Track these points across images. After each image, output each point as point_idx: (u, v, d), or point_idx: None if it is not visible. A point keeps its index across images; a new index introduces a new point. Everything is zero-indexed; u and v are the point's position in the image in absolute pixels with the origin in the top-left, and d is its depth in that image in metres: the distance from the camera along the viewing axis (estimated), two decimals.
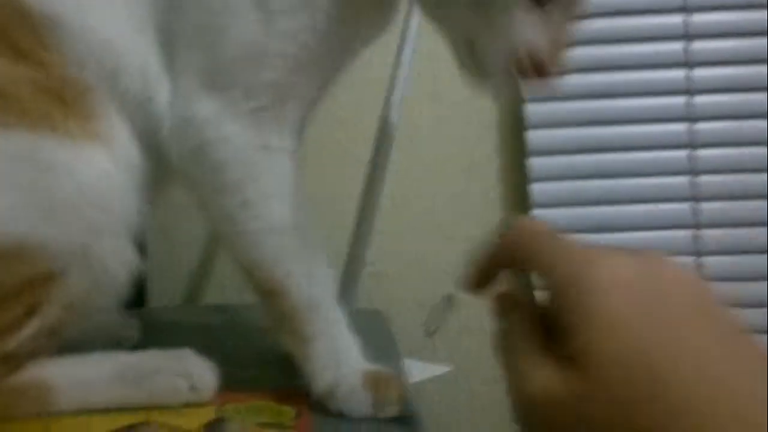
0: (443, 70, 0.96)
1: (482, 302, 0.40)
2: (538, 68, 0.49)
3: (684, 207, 1.01)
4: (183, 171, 0.53)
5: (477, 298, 0.40)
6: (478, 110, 1.02)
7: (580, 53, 0.93)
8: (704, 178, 1.00)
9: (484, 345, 0.95)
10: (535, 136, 0.99)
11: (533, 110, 0.99)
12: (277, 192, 0.53)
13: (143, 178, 0.53)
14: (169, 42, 0.53)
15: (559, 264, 0.36)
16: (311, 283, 0.53)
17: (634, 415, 0.30)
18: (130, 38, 0.52)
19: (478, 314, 0.98)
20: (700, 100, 1.00)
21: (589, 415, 0.31)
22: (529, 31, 0.48)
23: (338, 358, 0.52)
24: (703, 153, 1.01)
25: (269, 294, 0.53)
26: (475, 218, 1.01)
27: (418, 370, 0.72)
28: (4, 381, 0.48)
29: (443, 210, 1.02)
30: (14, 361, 0.49)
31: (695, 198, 1.00)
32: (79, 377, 0.50)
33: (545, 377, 0.33)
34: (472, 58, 0.51)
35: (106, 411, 0.50)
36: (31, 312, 0.48)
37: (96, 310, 0.52)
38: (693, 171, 1.00)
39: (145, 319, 0.69)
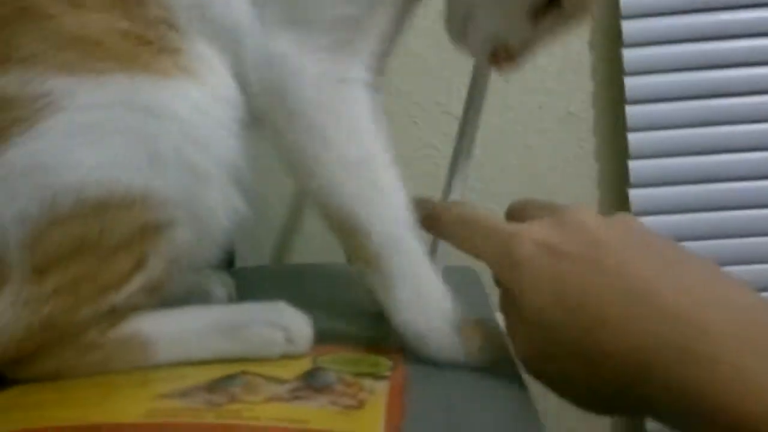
0: None
1: None
2: (506, 62, 0.56)
3: None
4: (264, 109, 0.51)
5: None
6: (572, 58, 0.98)
7: None
8: None
9: None
10: (633, 84, 0.95)
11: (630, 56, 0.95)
12: (356, 125, 0.51)
13: (242, 113, 0.51)
14: None
15: (482, 248, 0.47)
16: (394, 222, 0.51)
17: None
18: None
19: None
20: None
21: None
22: (517, 34, 0.54)
23: (427, 302, 0.51)
24: None
25: (353, 234, 0.51)
26: (569, 170, 0.98)
27: None
28: (105, 335, 0.48)
29: (537, 162, 0.99)
30: (118, 315, 0.49)
31: None
32: (176, 330, 0.50)
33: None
34: (463, 28, 0.56)
35: (202, 363, 0.50)
36: (138, 265, 0.48)
37: (199, 263, 0.52)
38: None
39: (235, 278, 0.69)
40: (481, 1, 0.54)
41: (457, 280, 0.76)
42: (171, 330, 0.50)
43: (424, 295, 0.51)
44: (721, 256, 0.93)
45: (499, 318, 0.66)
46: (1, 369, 0.47)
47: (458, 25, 0.56)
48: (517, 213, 0.51)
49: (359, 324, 0.63)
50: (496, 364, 0.50)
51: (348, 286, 0.68)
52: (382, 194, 0.51)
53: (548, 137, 1.00)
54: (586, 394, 0.44)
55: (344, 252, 0.56)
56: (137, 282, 0.48)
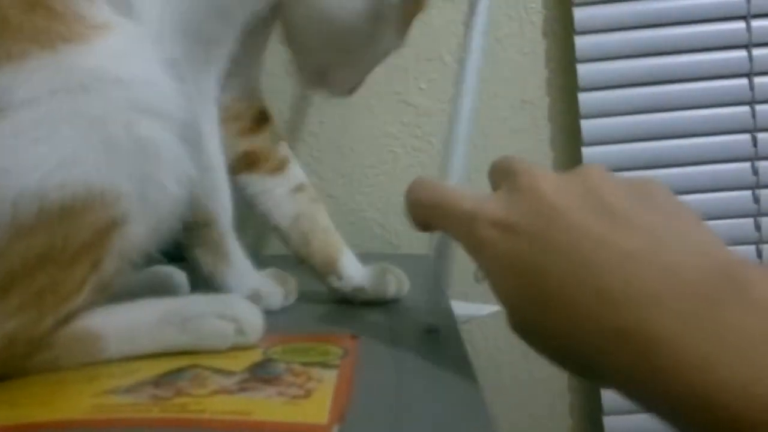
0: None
1: None
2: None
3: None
4: None
5: None
6: (526, 47, 0.99)
7: None
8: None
9: None
10: (585, 71, 0.96)
11: (582, 44, 0.96)
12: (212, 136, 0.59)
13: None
14: None
15: (453, 232, 0.47)
16: (228, 216, 0.61)
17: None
18: None
19: None
20: None
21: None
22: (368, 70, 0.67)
23: (247, 270, 0.63)
24: None
25: (205, 224, 0.60)
26: (526, 157, 0.99)
27: (465, 311, 0.71)
28: (55, 334, 0.48)
29: (494, 150, 1.00)
30: (72, 316, 0.48)
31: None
32: (126, 324, 0.50)
33: None
34: (319, 79, 0.65)
35: (153, 356, 0.50)
36: (94, 268, 0.47)
37: (151, 251, 0.52)
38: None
39: (188, 270, 0.69)
40: (336, 60, 0.64)
41: (414, 267, 0.78)
42: (121, 324, 0.50)
43: (244, 265, 0.63)
44: None
45: (456, 305, 0.68)
46: None
47: (314, 78, 0.66)
48: (492, 178, 0.49)
49: (312, 313, 0.64)
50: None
51: (307, 277, 0.69)
52: (224, 193, 0.61)
53: (504, 125, 1.01)
54: (568, 367, 0.42)
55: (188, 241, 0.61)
56: (93, 283, 0.47)
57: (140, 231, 0.49)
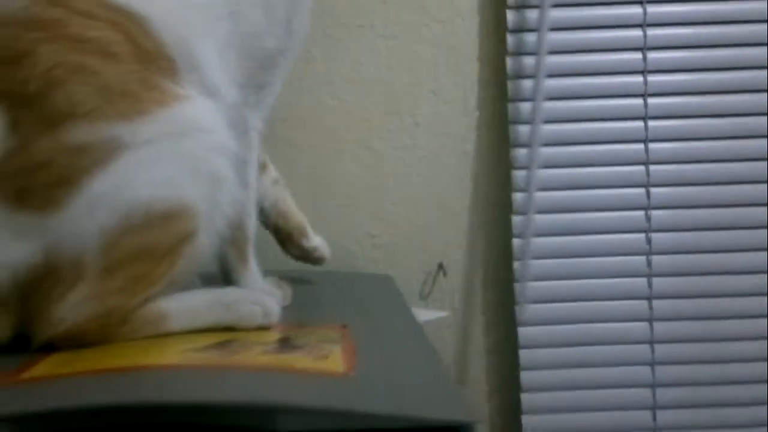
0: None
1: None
2: None
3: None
4: None
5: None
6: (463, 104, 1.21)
7: None
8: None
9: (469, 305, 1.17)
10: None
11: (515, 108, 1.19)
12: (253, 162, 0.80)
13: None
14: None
15: None
16: (253, 223, 0.81)
17: None
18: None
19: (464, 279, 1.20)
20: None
21: None
22: None
23: (259, 274, 0.82)
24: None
25: (237, 227, 0.77)
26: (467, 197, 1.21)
27: (422, 315, 0.92)
28: (137, 312, 0.66)
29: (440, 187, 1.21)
30: (150, 300, 0.67)
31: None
32: (185, 307, 0.69)
33: None
34: None
35: (204, 331, 0.69)
36: (173, 265, 0.66)
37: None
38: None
39: None
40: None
41: (375, 285, 0.99)
42: (181, 307, 0.69)
43: (255, 269, 0.81)
44: None
45: (417, 312, 0.89)
46: (56, 341, 0.64)
47: None
48: None
49: (310, 311, 0.84)
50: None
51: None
52: (253, 206, 0.81)
53: None
54: None
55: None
56: (168, 277, 0.67)
57: (203, 242, 0.69)
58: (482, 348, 1.21)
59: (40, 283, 0.63)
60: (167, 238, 0.66)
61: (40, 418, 0.49)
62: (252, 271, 0.81)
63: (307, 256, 0.94)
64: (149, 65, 0.67)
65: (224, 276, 0.81)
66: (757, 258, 1.17)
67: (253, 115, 0.79)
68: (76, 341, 0.64)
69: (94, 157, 0.63)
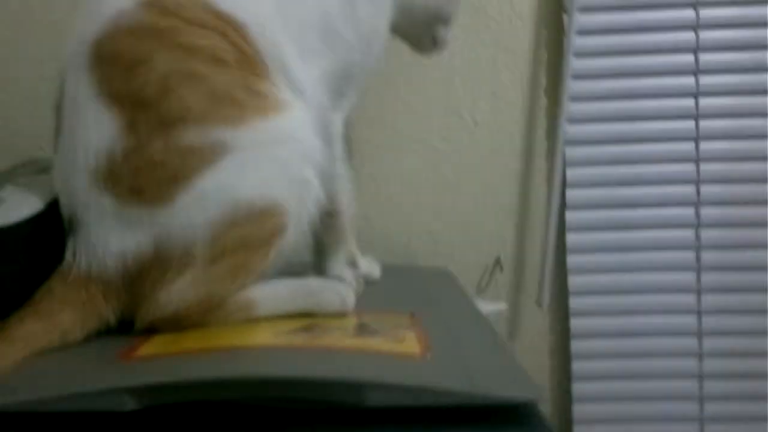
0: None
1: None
2: None
3: None
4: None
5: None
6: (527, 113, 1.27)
7: None
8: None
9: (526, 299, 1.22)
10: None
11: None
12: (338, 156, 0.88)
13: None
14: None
15: None
16: (349, 210, 0.90)
17: None
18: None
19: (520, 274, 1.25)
20: None
21: None
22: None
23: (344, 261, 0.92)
24: None
25: (334, 214, 0.87)
26: (523, 195, 1.27)
27: (483, 307, 0.97)
28: (230, 299, 0.73)
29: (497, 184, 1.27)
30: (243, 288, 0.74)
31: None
32: (271, 294, 0.76)
33: None
34: (430, 45, 1.00)
35: (287, 317, 0.75)
36: (265, 257, 0.73)
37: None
38: None
39: None
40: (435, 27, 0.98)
41: (436, 278, 1.05)
42: (267, 294, 0.75)
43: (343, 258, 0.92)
44: None
45: (481, 303, 0.95)
46: (157, 324, 0.71)
47: (429, 45, 1.00)
48: None
49: (379, 301, 0.90)
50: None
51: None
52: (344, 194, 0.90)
53: None
54: None
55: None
56: (261, 268, 0.74)
57: (290, 239, 0.76)
58: (536, 339, 1.27)
59: (149, 270, 0.70)
60: (263, 231, 0.73)
61: (160, 389, 0.56)
62: (342, 256, 0.91)
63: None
64: (251, 71, 0.74)
65: (315, 263, 0.91)
66: None
67: (335, 115, 0.87)
68: (176, 324, 0.71)
69: (203, 158, 0.70)
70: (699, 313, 1.22)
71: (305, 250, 0.88)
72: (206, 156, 0.70)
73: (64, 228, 0.74)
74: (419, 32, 0.98)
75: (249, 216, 0.71)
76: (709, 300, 1.22)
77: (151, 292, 0.70)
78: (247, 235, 0.72)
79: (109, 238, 0.71)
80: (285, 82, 0.77)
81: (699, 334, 1.22)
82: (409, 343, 0.68)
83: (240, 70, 0.73)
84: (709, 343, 1.22)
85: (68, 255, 0.72)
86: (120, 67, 0.71)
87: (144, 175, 0.70)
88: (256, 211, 0.72)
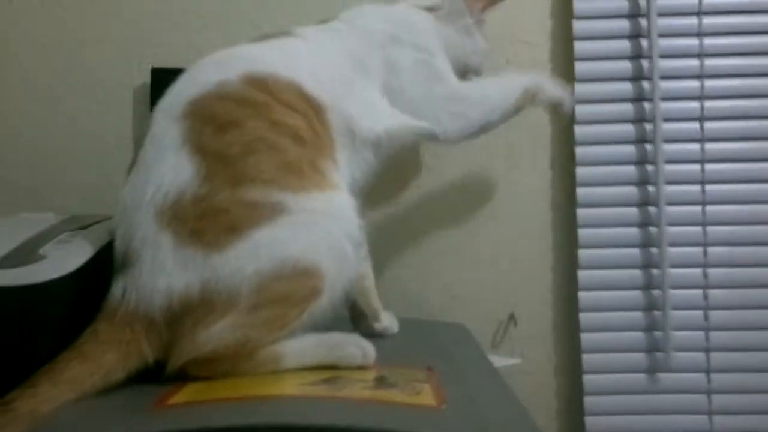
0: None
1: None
2: None
3: None
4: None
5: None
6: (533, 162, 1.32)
7: None
8: None
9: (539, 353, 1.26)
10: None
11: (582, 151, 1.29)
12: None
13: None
14: None
15: None
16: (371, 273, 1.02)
17: None
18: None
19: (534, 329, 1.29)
20: None
21: None
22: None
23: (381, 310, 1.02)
24: None
25: (363, 277, 0.98)
26: (534, 256, 1.32)
27: (496, 362, 1.01)
28: (260, 350, 0.78)
29: (512, 243, 1.32)
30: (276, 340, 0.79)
31: None
32: (297, 348, 0.80)
33: None
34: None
35: (312, 369, 0.80)
36: (300, 315, 0.79)
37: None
38: None
39: None
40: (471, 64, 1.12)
41: (453, 333, 1.09)
42: (294, 348, 0.80)
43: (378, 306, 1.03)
44: None
45: (493, 359, 0.99)
46: (190, 366, 0.76)
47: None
48: None
49: (398, 355, 0.94)
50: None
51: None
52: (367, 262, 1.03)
53: None
54: None
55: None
56: (294, 324, 0.79)
57: (325, 303, 0.81)
58: (551, 394, 1.30)
59: (195, 310, 0.75)
60: (303, 290, 0.79)
61: None
62: (376, 307, 1.01)
63: (373, 333, 1.02)
64: (320, 151, 0.85)
65: (352, 321, 1.00)
66: None
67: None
68: (209, 367, 0.76)
69: (263, 214, 0.78)
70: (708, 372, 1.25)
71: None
72: (266, 213, 0.78)
73: (106, 281, 0.80)
74: None
75: (293, 273, 0.78)
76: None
77: (191, 331, 0.75)
78: (288, 291, 0.78)
79: (161, 275, 0.76)
80: (349, 153, 0.90)
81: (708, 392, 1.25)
82: (426, 396, 0.72)
83: (312, 149, 0.84)
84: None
85: (116, 292, 0.78)
86: (212, 125, 0.80)
87: (207, 220, 0.77)
88: (300, 271, 0.78)
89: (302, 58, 0.92)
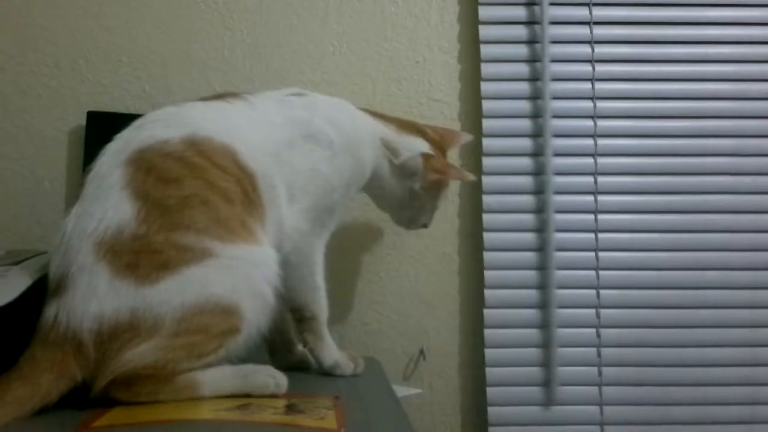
0: None
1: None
2: None
3: None
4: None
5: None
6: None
7: None
8: None
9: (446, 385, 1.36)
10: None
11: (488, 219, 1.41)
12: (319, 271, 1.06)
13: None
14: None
15: None
16: (325, 314, 1.09)
17: None
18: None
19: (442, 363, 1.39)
20: None
21: None
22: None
23: (332, 346, 1.09)
24: None
25: (312, 318, 1.07)
26: (446, 291, 1.42)
27: (401, 391, 1.11)
28: (180, 376, 0.85)
29: (423, 284, 1.43)
30: (192, 369, 0.86)
31: None
32: (213, 377, 0.88)
33: None
34: (408, 222, 1.24)
35: (227, 397, 0.87)
36: (217, 348, 0.87)
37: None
38: None
39: None
40: (410, 214, 1.21)
41: (367, 364, 1.18)
42: (211, 377, 0.88)
43: (331, 344, 1.09)
44: None
45: (397, 389, 1.08)
46: (114, 390, 0.83)
47: (406, 222, 1.23)
48: None
49: (310, 385, 1.02)
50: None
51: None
52: (325, 300, 1.08)
53: None
54: None
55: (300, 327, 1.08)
56: (211, 357, 0.87)
57: (242, 339, 0.90)
58: (456, 423, 1.40)
59: (122, 333, 0.83)
60: (222, 325, 0.87)
61: None
62: (328, 345, 1.09)
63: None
64: (249, 211, 0.95)
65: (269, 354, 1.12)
66: None
67: (316, 240, 1.07)
68: (130, 391, 0.83)
69: (193, 256, 0.87)
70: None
71: None
72: (196, 255, 0.87)
73: (40, 312, 0.86)
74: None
75: (214, 309, 0.87)
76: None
77: (117, 352, 0.82)
78: (208, 324, 0.86)
79: (93, 300, 0.83)
80: (276, 218, 0.99)
81: (601, 423, 1.37)
82: (329, 420, 0.81)
83: (241, 208, 0.93)
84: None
85: (48, 315, 0.84)
86: (154, 177, 0.89)
87: (142, 256, 0.85)
88: (221, 308, 0.87)
89: (242, 127, 1.00)
